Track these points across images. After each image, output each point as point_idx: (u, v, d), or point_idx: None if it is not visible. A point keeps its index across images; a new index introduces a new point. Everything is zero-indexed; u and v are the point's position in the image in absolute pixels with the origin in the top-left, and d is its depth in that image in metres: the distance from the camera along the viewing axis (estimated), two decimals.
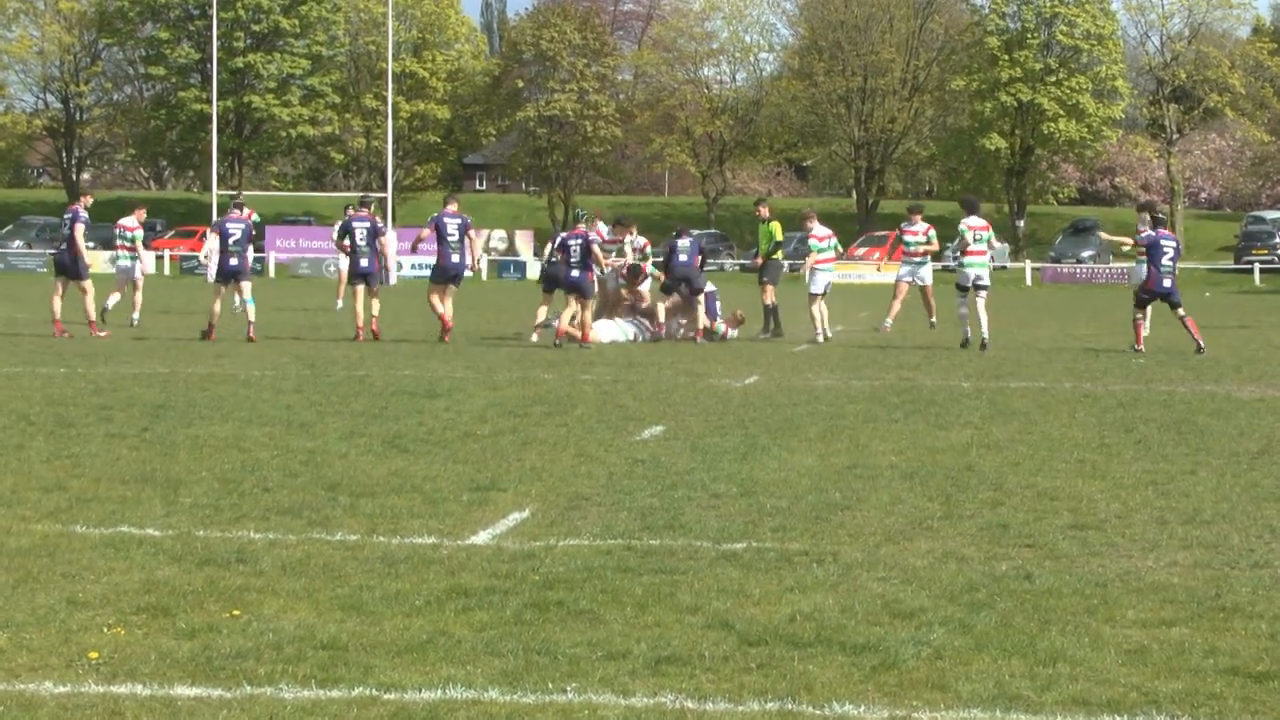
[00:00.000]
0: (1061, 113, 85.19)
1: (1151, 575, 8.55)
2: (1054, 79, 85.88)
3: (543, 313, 27.19)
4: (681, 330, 28.11)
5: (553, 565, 8.63)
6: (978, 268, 25.93)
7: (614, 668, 6.70)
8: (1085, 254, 79.43)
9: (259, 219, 36.23)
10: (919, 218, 30.89)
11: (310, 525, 9.75)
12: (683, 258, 27.65)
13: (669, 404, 16.89)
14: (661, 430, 14.57)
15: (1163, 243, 25.50)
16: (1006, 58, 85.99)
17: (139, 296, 30.43)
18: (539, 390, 18.18)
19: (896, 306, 31.36)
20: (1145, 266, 25.70)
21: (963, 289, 26.06)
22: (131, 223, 30.51)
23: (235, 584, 8.14)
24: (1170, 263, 25.32)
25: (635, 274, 28.14)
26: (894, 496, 10.96)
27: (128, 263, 30.59)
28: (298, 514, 10.08)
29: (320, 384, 18.60)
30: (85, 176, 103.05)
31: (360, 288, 26.88)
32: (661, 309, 27.74)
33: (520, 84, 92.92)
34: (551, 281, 26.61)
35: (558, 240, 26.76)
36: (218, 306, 26.75)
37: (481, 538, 9.42)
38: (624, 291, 28.17)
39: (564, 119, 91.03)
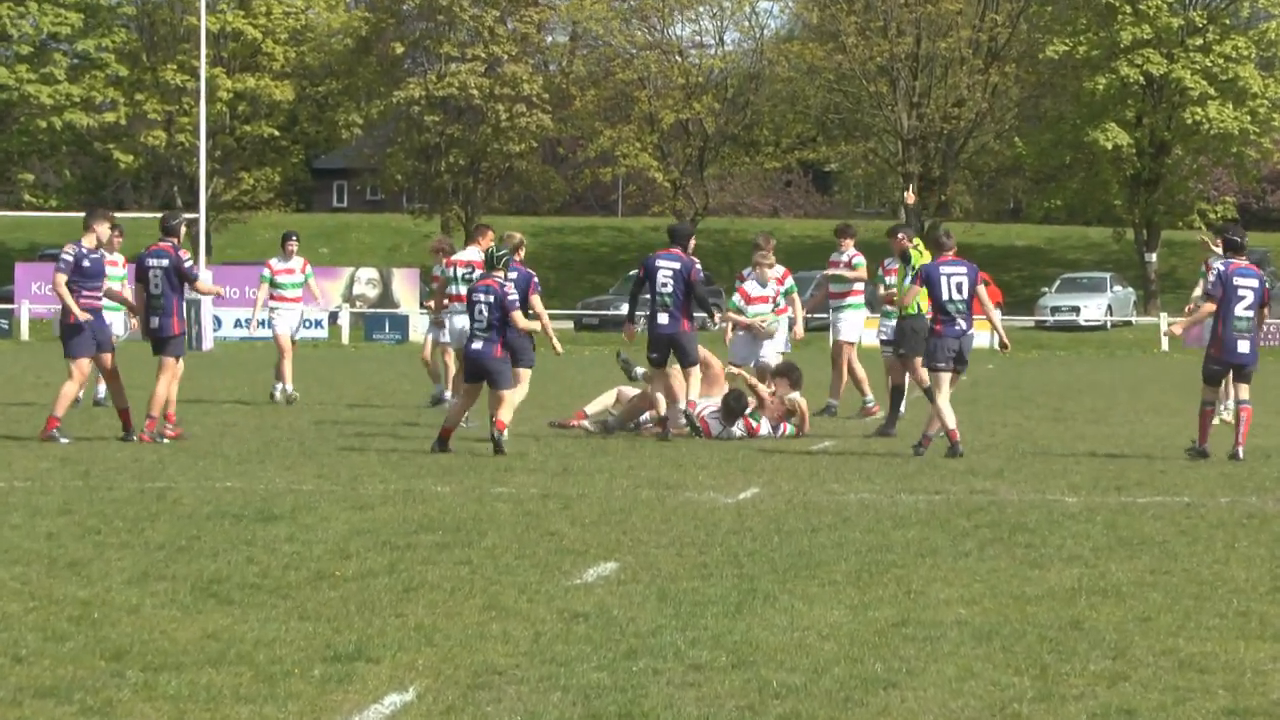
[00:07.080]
0: (1212, 93, 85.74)
1: None
2: (1200, 42, 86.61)
3: (608, 398, 27.57)
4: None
5: None
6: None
7: None
8: None
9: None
10: (850, 243, 30.85)
11: (85, 713, 9.75)
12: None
13: (625, 530, 16.91)
14: (614, 569, 14.61)
15: (1237, 281, 23.89)
16: (1129, 10, 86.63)
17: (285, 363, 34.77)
18: (429, 510, 18.17)
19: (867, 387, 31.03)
20: (1214, 321, 24.11)
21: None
22: (283, 264, 34.98)
23: None
24: (1248, 313, 23.80)
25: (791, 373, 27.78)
26: (963, 668, 11.02)
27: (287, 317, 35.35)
28: (66, 696, 10.08)
29: (99, 502, 18.56)
30: None
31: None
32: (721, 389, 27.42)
33: (399, 49, 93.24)
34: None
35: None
36: None
37: None
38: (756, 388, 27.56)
39: (465, 102, 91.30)
